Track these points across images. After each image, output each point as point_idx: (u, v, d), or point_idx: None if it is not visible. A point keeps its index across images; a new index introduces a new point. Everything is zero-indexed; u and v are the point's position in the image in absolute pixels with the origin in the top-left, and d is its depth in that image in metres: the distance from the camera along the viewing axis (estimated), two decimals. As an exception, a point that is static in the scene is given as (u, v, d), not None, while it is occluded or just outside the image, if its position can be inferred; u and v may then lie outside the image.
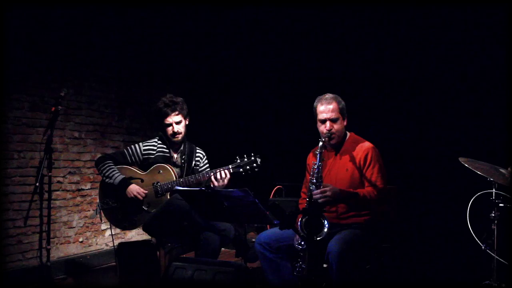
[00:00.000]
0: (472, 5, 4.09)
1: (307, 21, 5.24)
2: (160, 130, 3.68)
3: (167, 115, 3.53)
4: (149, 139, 3.76)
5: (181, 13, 5.65)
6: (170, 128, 3.57)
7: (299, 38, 5.40)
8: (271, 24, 5.50)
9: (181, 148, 3.70)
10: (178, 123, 3.57)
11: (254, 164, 3.35)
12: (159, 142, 3.68)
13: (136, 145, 3.68)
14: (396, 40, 4.73)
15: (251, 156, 3.36)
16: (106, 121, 5.18)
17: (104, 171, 3.55)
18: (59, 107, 3.93)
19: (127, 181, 3.52)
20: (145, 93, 5.65)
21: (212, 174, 3.42)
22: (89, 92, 4.99)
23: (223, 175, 3.38)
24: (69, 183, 4.76)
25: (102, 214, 3.63)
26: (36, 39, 4.41)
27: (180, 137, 3.61)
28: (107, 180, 3.53)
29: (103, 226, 5.10)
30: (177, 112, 3.55)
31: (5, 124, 4.19)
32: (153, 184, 3.54)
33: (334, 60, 5.14)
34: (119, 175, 3.52)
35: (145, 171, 3.60)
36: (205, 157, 3.80)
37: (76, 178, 4.83)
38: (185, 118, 3.61)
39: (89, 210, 4.95)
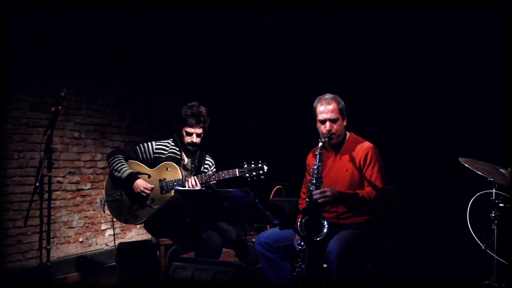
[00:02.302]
0: (473, 5, 4.09)
1: (308, 21, 5.24)
2: (175, 132, 3.74)
3: (191, 125, 3.59)
4: (160, 139, 3.81)
5: (182, 13, 5.65)
6: (189, 138, 3.62)
7: (300, 38, 5.40)
8: (272, 24, 5.51)
9: (193, 154, 3.75)
10: (198, 135, 3.64)
11: (261, 171, 3.40)
12: (172, 144, 3.74)
13: (149, 143, 3.74)
14: (396, 40, 4.73)
15: (258, 163, 3.42)
16: (106, 121, 5.18)
17: (113, 164, 3.61)
18: (59, 107, 3.93)
19: (134, 176, 3.57)
20: (145, 93, 5.65)
21: (217, 176, 3.47)
22: (89, 92, 4.99)
23: (191, 183, 3.43)
24: (69, 183, 4.76)
25: (106, 206, 3.67)
26: (36, 39, 4.40)
27: (195, 148, 3.69)
28: (115, 173, 3.59)
29: (103, 226, 5.11)
30: (201, 125, 3.62)
31: (5, 124, 4.19)
32: (159, 180, 3.58)
33: (334, 60, 5.14)
34: (127, 169, 3.58)
35: (153, 168, 3.65)
36: (214, 165, 3.84)
37: (76, 178, 4.83)
38: (204, 131, 3.68)
39: (89, 210, 4.95)
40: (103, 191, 3.72)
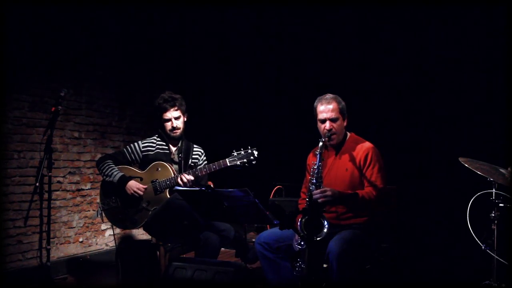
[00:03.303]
0: (472, 5, 4.09)
1: (308, 21, 5.24)
2: (159, 127, 3.73)
3: (166, 110, 3.59)
4: (147, 137, 3.80)
5: (181, 13, 5.65)
6: (169, 123, 3.62)
7: (300, 38, 5.40)
8: (272, 23, 5.51)
9: (179, 145, 3.73)
10: (177, 118, 3.62)
11: (251, 157, 3.34)
12: (158, 139, 3.73)
13: (135, 143, 3.74)
14: (396, 40, 4.73)
15: (248, 149, 3.37)
16: (106, 121, 5.18)
17: (104, 170, 3.60)
18: (59, 107, 3.93)
19: (126, 178, 3.55)
20: (145, 93, 5.65)
21: (208, 169, 3.44)
22: (89, 92, 4.99)
23: (185, 180, 3.41)
24: (69, 183, 4.76)
25: (104, 215, 3.65)
26: (36, 39, 4.40)
27: (178, 132, 3.65)
28: (106, 178, 3.57)
29: (103, 226, 5.11)
30: (176, 108, 3.61)
31: (5, 124, 4.19)
32: (152, 181, 3.56)
33: (334, 60, 5.14)
34: (118, 173, 3.57)
35: (143, 170, 3.62)
36: (204, 154, 3.82)
37: (76, 178, 4.83)
38: (183, 114, 3.66)
39: (89, 210, 4.95)
40: (98, 200, 3.70)
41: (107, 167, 3.59)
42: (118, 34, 5.22)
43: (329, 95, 3.13)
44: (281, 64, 5.65)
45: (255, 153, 3.35)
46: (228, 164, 3.37)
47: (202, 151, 3.82)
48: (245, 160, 3.34)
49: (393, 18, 4.68)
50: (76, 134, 4.85)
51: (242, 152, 3.37)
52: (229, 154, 3.42)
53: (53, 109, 3.95)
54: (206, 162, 3.80)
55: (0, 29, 4.05)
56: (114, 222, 3.65)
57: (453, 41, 4.40)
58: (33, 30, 4.38)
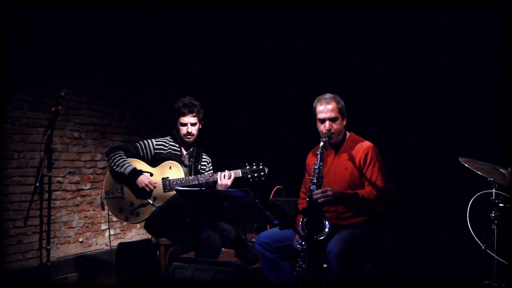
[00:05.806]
0: (473, 4, 4.10)
1: (307, 21, 5.24)
2: (174, 129, 3.78)
3: (184, 114, 3.65)
4: (160, 137, 3.83)
5: (182, 13, 5.66)
6: (184, 128, 3.67)
7: (299, 39, 5.40)
8: (272, 25, 5.51)
9: (190, 149, 3.78)
10: (193, 124, 3.68)
11: (262, 173, 3.52)
12: (171, 140, 3.77)
13: (149, 140, 3.76)
14: (396, 39, 4.73)
15: (260, 165, 3.53)
16: (106, 121, 5.18)
17: (115, 160, 3.59)
18: (59, 107, 3.93)
19: (137, 171, 3.57)
20: (145, 93, 5.65)
21: (220, 176, 3.51)
22: (89, 92, 4.99)
23: (227, 176, 3.51)
24: (69, 183, 4.76)
25: (105, 204, 3.65)
26: (36, 39, 4.40)
27: (192, 138, 3.70)
28: (117, 169, 3.56)
29: (103, 226, 5.10)
30: (194, 114, 3.67)
31: (5, 124, 4.19)
32: (162, 178, 3.58)
33: (334, 60, 5.14)
34: (129, 165, 3.57)
35: (154, 167, 3.66)
36: (211, 163, 3.88)
37: (76, 178, 4.83)
38: (199, 122, 3.72)
39: (89, 210, 4.95)
40: (103, 188, 3.70)
41: (118, 157, 3.59)
42: (118, 34, 5.22)
43: (328, 95, 3.13)
44: (281, 63, 5.64)
45: (266, 170, 3.54)
46: (240, 175, 3.54)
47: (210, 160, 3.88)
48: (255, 175, 3.53)
49: (392, 17, 4.68)
50: (76, 134, 4.85)
51: (254, 167, 3.54)
52: (230, 158, 3.46)
53: (53, 109, 3.95)
54: (212, 170, 3.84)
55: (0, 29, 4.05)
56: (115, 213, 3.65)
57: (453, 40, 4.40)
58: (33, 30, 4.37)
